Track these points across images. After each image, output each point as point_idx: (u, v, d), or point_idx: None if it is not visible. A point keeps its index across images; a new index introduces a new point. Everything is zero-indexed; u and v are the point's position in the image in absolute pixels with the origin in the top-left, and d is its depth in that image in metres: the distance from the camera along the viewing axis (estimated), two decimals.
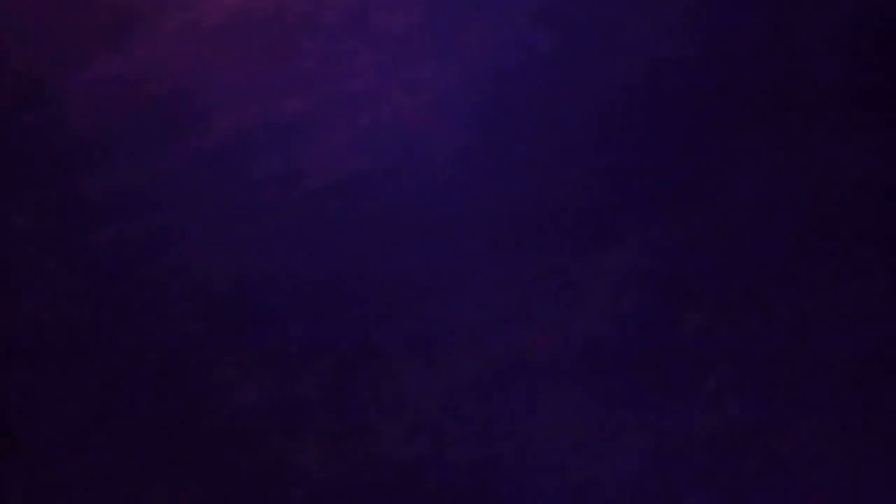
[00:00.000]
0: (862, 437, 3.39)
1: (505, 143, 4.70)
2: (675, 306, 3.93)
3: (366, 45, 5.15)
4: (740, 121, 4.55)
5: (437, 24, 5.23)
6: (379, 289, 4.18)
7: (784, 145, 4.44)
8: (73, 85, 4.98)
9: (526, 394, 3.74)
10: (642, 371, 3.74)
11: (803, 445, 3.38)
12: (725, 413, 3.55)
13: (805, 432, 3.44)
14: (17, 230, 4.51)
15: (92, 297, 4.27)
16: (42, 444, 3.76)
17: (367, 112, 4.89)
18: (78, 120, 4.85)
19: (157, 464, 3.69)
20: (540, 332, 3.94)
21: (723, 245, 4.12)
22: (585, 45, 5.00)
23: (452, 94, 4.87)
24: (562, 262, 4.17)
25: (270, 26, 5.30)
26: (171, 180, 4.65)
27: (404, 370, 3.89)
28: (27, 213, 4.59)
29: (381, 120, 4.86)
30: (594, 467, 3.46)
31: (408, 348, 3.96)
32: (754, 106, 4.63)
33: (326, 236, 4.42)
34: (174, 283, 4.29)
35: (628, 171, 4.45)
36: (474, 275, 4.20)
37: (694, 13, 5.07)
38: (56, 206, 4.57)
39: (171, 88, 4.96)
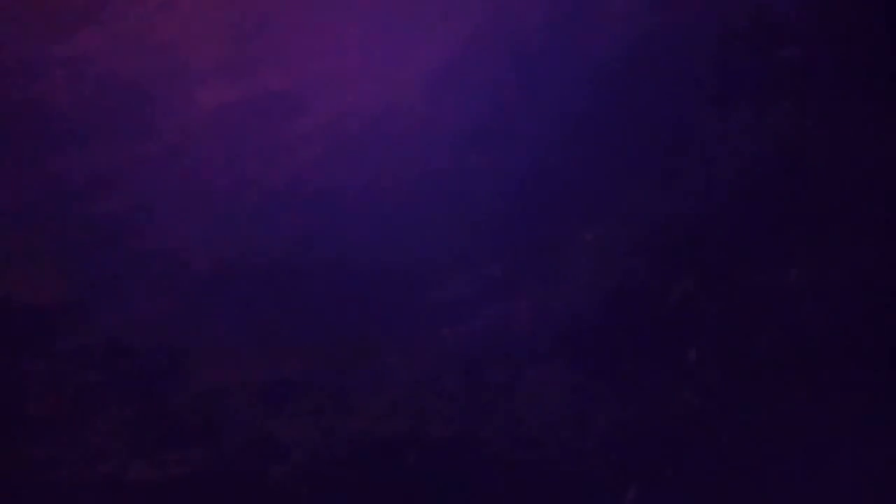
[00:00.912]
0: (839, 411, 3.41)
1: (492, 118, 4.70)
2: (658, 280, 3.94)
3: (353, 17, 5.14)
4: (727, 95, 4.55)
5: None
6: (365, 268, 4.19)
7: (764, 123, 4.45)
8: (54, 60, 4.95)
9: (507, 369, 3.75)
10: (624, 344, 3.75)
11: (782, 417, 3.40)
12: (706, 385, 3.57)
13: (784, 405, 3.46)
14: (2, 205, 4.50)
15: (72, 274, 4.27)
16: (31, 421, 3.77)
17: (354, 87, 4.88)
18: (58, 97, 4.82)
19: (139, 446, 3.70)
20: (523, 306, 3.95)
21: (707, 218, 4.13)
22: (577, 10, 4.98)
23: (443, 69, 4.86)
24: (547, 237, 4.18)
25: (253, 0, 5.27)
26: (151, 159, 4.63)
27: (387, 347, 3.89)
28: (7, 191, 4.58)
29: (366, 96, 4.85)
30: (575, 440, 3.48)
31: (392, 324, 3.97)
32: (732, 74, 4.63)
33: (309, 216, 4.42)
34: (154, 262, 4.29)
35: (615, 145, 4.45)
36: (459, 250, 4.20)
37: None
38: (36, 185, 4.56)
39: (152, 64, 4.93)
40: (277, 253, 4.34)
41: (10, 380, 3.91)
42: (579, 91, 4.77)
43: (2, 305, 4.16)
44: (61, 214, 4.51)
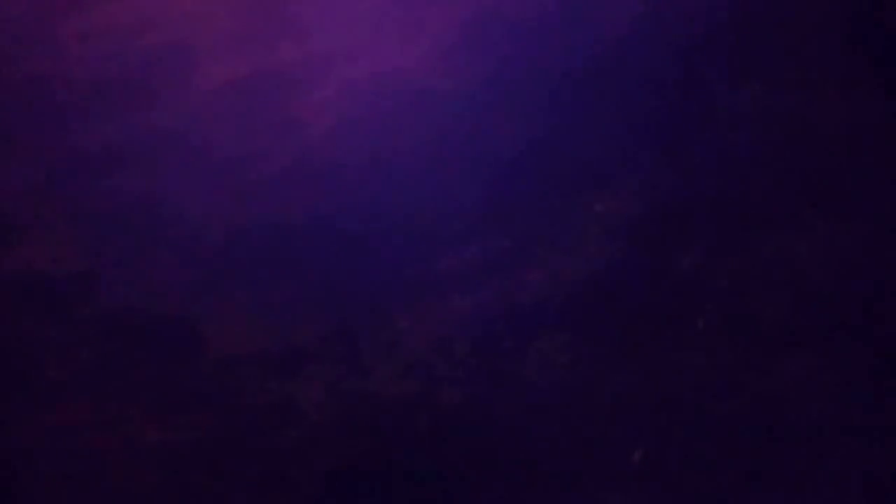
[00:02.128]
0: (847, 374, 3.45)
1: (501, 90, 4.72)
2: (667, 250, 3.98)
3: None
4: (739, 68, 4.57)
5: None
6: (377, 238, 4.23)
7: (775, 95, 4.46)
8: (72, 33, 5.00)
9: (516, 336, 3.79)
10: (632, 313, 3.79)
11: (789, 382, 3.44)
12: (714, 352, 3.61)
13: (791, 369, 3.49)
14: (16, 180, 4.55)
15: (91, 246, 4.32)
16: (49, 388, 3.82)
17: (365, 60, 4.91)
18: (76, 70, 4.87)
19: (159, 407, 3.75)
20: (533, 275, 3.99)
21: (717, 188, 4.15)
22: None
23: (452, 40, 4.88)
24: (557, 207, 4.21)
25: None
26: (167, 133, 4.68)
27: (399, 314, 3.94)
28: (27, 164, 4.63)
29: (377, 68, 4.88)
30: (582, 406, 3.52)
31: (403, 292, 4.01)
32: (745, 47, 4.65)
33: (322, 187, 4.45)
34: (168, 234, 4.34)
35: (625, 116, 4.48)
36: (470, 220, 4.24)
37: None
38: (56, 158, 4.61)
39: (168, 38, 4.97)
40: (290, 224, 4.39)
41: (28, 348, 3.97)
42: (590, 62, 4.79)
43: (21, 276, 4.22)
44: (78, 187, 4.56)
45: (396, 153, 4.55)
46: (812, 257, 3.87)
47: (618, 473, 3.30)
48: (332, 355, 3.84)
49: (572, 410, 3.53)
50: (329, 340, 3.90)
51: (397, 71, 4.89)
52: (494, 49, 4.87)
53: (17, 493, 3.45)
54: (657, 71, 4.65)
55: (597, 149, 4.41)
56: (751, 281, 3.84)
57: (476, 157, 4.48)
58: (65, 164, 4.62)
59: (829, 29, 4.68)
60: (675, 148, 4.36)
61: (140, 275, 4.22)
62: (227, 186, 4.53)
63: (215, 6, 5.07)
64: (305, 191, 4.48)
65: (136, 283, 4.19)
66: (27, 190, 4.54)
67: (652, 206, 4.14)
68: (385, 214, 4.33)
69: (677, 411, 3.48)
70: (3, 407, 3.75)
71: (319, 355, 3.85)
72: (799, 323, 3.67)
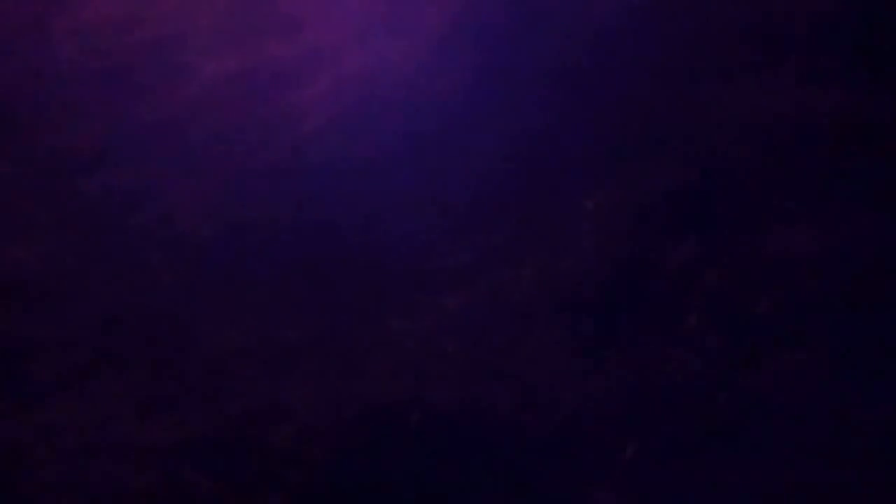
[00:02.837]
0: (839, 371, 3.44)
1: (491, 86, 4.71)
2: (659, 246, 3.97)
3: None
4: (730, 60, 4.56)
5: None
6: (367, 236, 4.22)
7: (766, 88, 4.46)
8: (62, 27, 4.99)
9: (508, 334, 3.79)
10: (625, 309, 3.79)
11: (781, 383, 3.43)
12: (704, 348, 3.61)
13: (782, 366, 3.49)
14: (3, 178, 4.54)
15: (81, 245, 4.31)
16: (39, 386, 3.81)
17: (354, 55, 4.90)
18: (67, 66, 4.86)
19: (148, 407, 3.74)
20: (524, 273, 3.98)
21: (708, 184, 4.15)
22: None
23: (441, 36, 4.87)
24: (548, 204, 4.20)
25: None
26: (158, 129, 4.67)
27: (390, 312, 3.93)
28: (14, 161, 4.62)
29: (368, 63, 4.87)
30: (576, 404, 3.52)
31: (395, 290, 4.01)
32: (736, 39, 4.65)
33: (312, 183, 4.44)
34: (162, 232, 4.33)
35: (616, 112, 4.47)
36: (461, 218, 4.23)
37: None
38: (44, 156, 4.60)
39: (159, 33, 4.97)
40: (280, 222, 4.38)
41: (16, 347, 3.96)
42: (581, 57, 4.78)
43: (9, 274, 4.21)
44: (65, 184, 4.55)
45: (386, 149, 4.55)
46: (804, 251, 3.87)
47: (610, 469, 3.30)
48: (322, 354, 3.83)
49: (564, 407, 3.52)
50: (319, 339, 3.89)
51: (387, 66, 4.89)
52: (485, 44, 4.86)
53: (5, 492, 3.44)
54: (648, 65, 4.64)
55: (588, 144, 4.40)
56: (743, 277, 3.83)
57: (467, 153, 4.47)
58: (53, 162, 4.61)
59: (822, 22, 4.68)
60: (667, 143, 4.35)
61: (128, 273, 4.21)
62: (215, 183, 4.52)
63: (205, 2, 5.06)
64: (295, 187, 4.47)
65: (124, 282, 4.18)
66: (12, 188, 4.52)
67: (643, 202, 4.14)
68: (375, 211, 4.32)
69: (668, 405, 3.48)
70: None
71: (309, 354, 3.84)
72: (791, 320, 3.67)
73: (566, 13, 4.92)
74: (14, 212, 4.46)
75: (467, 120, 4.61)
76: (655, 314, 3.77)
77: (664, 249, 3.98)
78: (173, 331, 3.99)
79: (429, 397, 3.62)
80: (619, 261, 3.97)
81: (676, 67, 4.66)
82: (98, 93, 4.81)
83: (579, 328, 3.77)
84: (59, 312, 4.08)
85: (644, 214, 4.12)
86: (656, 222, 4.08)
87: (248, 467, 3.51)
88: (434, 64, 4.87)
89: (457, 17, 4.99)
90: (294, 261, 4.19)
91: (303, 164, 4.57)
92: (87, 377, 3.84)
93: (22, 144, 4.73)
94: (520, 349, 3.75)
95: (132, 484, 3.47)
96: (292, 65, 4.96)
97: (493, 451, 3.43)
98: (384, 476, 3.40)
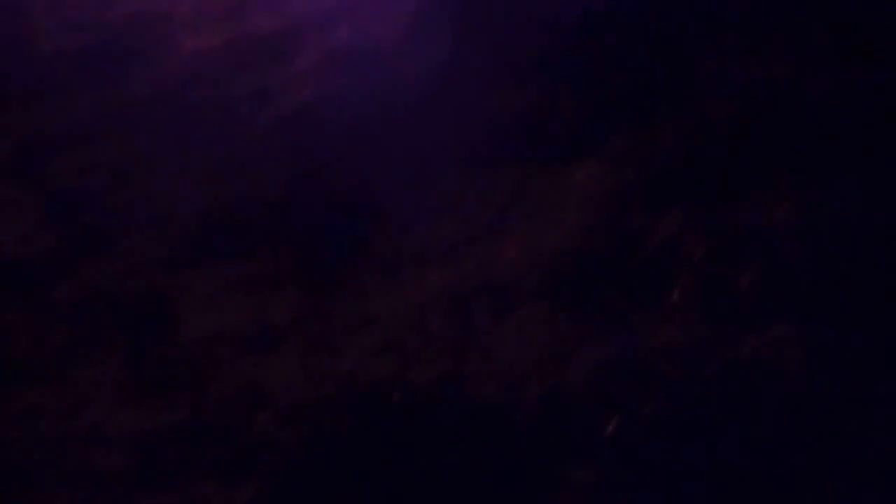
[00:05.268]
0: (822, 350, 3.40)
1: (479, 57, 4.66)
2: (644, 219, 3.92)
3: None
4: (720, 31, 4.50)
5: None
6: (352, 212, 4.17)
7: (756, 60, 4.40)
8: (41, 3, 4.92)
9: (492, 309, 3.74)
10: (608, 284, 3.74)
11: (763, 355, 3.39)
12: (692, 322, 3.56)
13: (766, 344, 3.45)
14: None
15: (59, 225, 4.27)
16: (19, 370, 3.78)
17: (342, 30, 4.84)
18: (45, 42, 4.80)
19: (131, 389, 3.71)
20: (510, 246, 3.94)
21: (694, 157, 4.10)
22: None
23: (433, 9, 4.81)
24: (535, 177, 4.15)
25: None
26: (137, 107, 4.61)
27: (374, 290, 3.89)
28: None
29: (355, 38, 4.81)
30: (557, 378, 3.48)
31: (379, 268, 3.96)
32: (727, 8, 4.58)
33: (299, 160, 4.39)
34: (141, 212, 4.28)
35: (603, 83, 4.41)
36: (446, 193, 4.19)
37: None
38: (21, 135, 4.55)
39: (139, 8, 4.91)
40: (265, 199, 4.33)
41: None
42: (571, 31, 4.73)
43: None
44: (48, 163, 4.50)
45: (374, 124, 4.49)
46: (790, 226, 3.82)
47: (592, 446, 3.26)
48: (305, 334, 3.79)
49: (546, 384, 3.48)
50: (303, 319, 3.84)
51: (376, 40, 4.83)
52: (476, 17, 4.80)
53: None
54: (639, 41, 4.58)
55: (576, 118, 4.35)
56: (728, 251, 3.79)
57: (455, 128, 4.42)
58: (34, 139, 4.56)
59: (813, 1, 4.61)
60: (655, 118, 4.29)
61: (112, 253, 4.17)
62: (200, 160, 4.47)
63: None
64: (281, 164, 4.42)
65: (107, 262, 4.14)
66: None
67: (631, 176, 4.08)
68: (361, 187, 4.27)
69: (651, 380, 3.44)
70: None
71: (293, 334, 3.80)
72: (775, 294, 3.62)
73: None
74: None
75: (454, 95, 4.56)
76: (638, 290, 3.72)
77: (649, 223, 3.93)
78: (155, 312, 3.95)
79: (411, 377, 3.58)
80: (605, 234, 3.92)
81: (668, 36, 4.60)
82: (77, 69, 4.76)
83: (562, 302, 3.73)
84: (39, 294, 4.05)
85: (631, 189, 4.07)
86: (641, 196, 4.03)
87: (229, 450, 3.48)
88: (422, 39, 4.81)
89: None
90: (278, 238, 4.14)
91: (288, 141, 4.52)
92: (67, 360, 3.81)
93: (8, 122, 4.68)
94: (505, 326, 3.71)
95: (112, 468, 3.44)
96: (278, 41, 4.91)
97: (475, 430, 3.39)
98: (366, 456, 3.36)
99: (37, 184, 4.40)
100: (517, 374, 3.54)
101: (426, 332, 3.71)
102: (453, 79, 4.62)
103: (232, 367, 3.72)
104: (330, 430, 3.47)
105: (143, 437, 3.50)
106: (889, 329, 3.41)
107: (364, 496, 3.29)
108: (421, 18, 4.86)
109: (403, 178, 4.29)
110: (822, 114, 4.12)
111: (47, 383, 3.74)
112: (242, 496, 3.32)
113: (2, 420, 3.61)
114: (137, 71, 4.74)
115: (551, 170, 4.17)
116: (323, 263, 4.04)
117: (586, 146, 4.23)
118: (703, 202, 3.93)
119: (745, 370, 3.35)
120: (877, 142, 3.99)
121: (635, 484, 3.16)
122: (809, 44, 4.39)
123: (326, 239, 4.14)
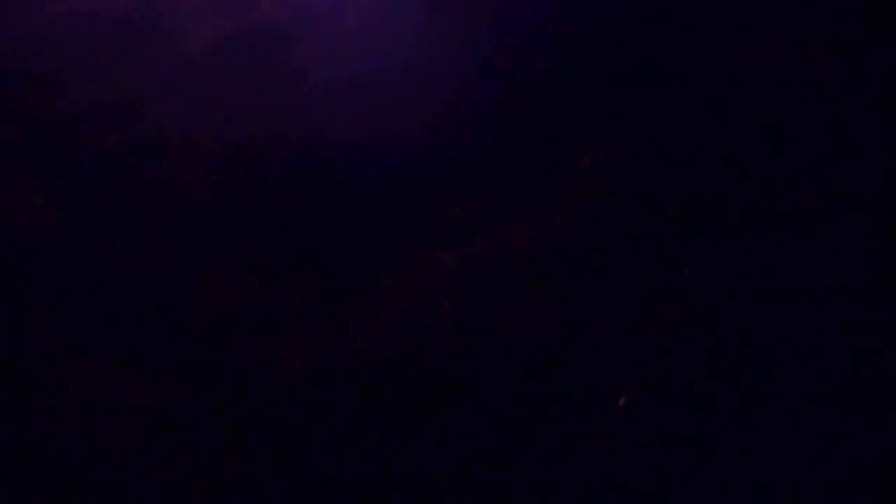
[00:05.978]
0: (832, 334, 3.43)
1: (490, 46, 4.68)
2: (654, 202, 3.95)
3: None
4: (729, 21, 4.52)
5: None
6: (365, 195, 4.20)
7: (768, 47, 4.42)
8: None
9: (503, 290, 3.77)
10: (620, 265, 3.77)
11: (773, 336, 3.42)
12: (699, 304, 3.59)
13: (776, 325, 3.47)
14: (14, 142, 4.52)
15: (73, 206, 4.29)
16: (33, 346, 3.80)
17: (351, 16, 4.86)
18: (56, 30, 4.83)
19: (144, 367, 3.73)
20: (521, 230, 3.96)
21: (705, 140, 4.12)
22: None
23: None
24: (545, 161, 4.18)
25: None
26: (149, 93, 4.63)
27: (386, 271, 3.91)
28: (11, 129, 4.59)
29: (366, 22, 4.83)
30: (567, 355, 3.50)
31: (390, 249, 3.99)
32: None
33: (308, 143, 4.42)
34: (153, 196, 4.30)
35: (612, 70, 4.44)
36: (458, 177, 4.21)
37: None
38: (35, 118, 4.57)
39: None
40: (275, 183, 4.36)
41: (13, 311, 3.95)
42: (576, 16, 4.75)
43: (8, 239, 4.20)
44: (58, 147, 4.53)
45: (384, 109, 4.52)
46: (805, 210, 3.85)
47: (604, 421, 3.29)
48: (317, 313, 3.82)
49: (559, 363, 3.51)
50: (314, 298, 3.87)
51: (385, 27, 4.85)
52: (480, 5, 4.82)
53: None
54: (646, 27, 4.61)
55: (584, 103, 4.37)
56: (739, 233, 3.82)
57: (465, 112, 4.44)
58: (45, 123, 4.58)
59: None
60: (663, 103, 4.32)
61: (124, 237, 4.19)
62: (211, 146, 4.50)
63: None
64: (291, 148, 4.45)
65: (120, 245, 4.16)
66: (9, 154, 4.50)
67: (638, 160, 4.11)
68: (371, 171, 4.29)
69: (663, 362, 3.47)
70: None
71: (304, 313, 3.83)
72: (787, 278, 3.65)
73: None
74: (14, 170, 4.44)
75: (464, 80, 4.58)
76: (650, 269, 3.75)
77: (660, 206, 3.96)
78: (168, 297, 3.98)
79: (423, 355, 3.61)
80: (615, 216, 3.95)
81: (676, 26, 4.63)
82: (87, 56, 4.78)
83: (573, 283, 3.75)
84: (52, 273, 4.07)
85: (639, 173, 4.10)
86: (651, 179, 4.06)
87: (240, 428, 3.50)
88: (432, 25, 4.84)
89: None
90: (287, 221, 4.17)
91: (300, 124, 4.54)
92: (81, 338, 3.84)
93: (13, 108, 4.70)
94: (515, 307, 3.74)
95: (126, 445, 3.47)
96: (288, 27, 4.93)
97: (486, 407, 3.42)
98: (378, 435, 3.39)
99: (56, 167, 4.42)
100: (526, 349, 3.56)
101: (437, 313, 3.73)
102: (464, 60, 4.64)
103: (246, 345, 3.75)
104: (342, 408, 3.48)
105: (160, 413, 3.52)
106: None
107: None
108: (432, 3, 4.89)
109: (412, 162, 4.32)
110: (830, 102, 4.14)
111: (64, 361, 3.77)
112: None
113: (19, 394, 3.64)
114: (146, 58, 4.77)
115: (561, 154, 4.19)
116: (333, 245, 4.07)
117: (596, 131, 4.25)
118: (713, 186, 3.94)
119: (756, 350, 3.36)
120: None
121: None
122: (822, 34, 4.41)
123: (339, 222, 4.16)
